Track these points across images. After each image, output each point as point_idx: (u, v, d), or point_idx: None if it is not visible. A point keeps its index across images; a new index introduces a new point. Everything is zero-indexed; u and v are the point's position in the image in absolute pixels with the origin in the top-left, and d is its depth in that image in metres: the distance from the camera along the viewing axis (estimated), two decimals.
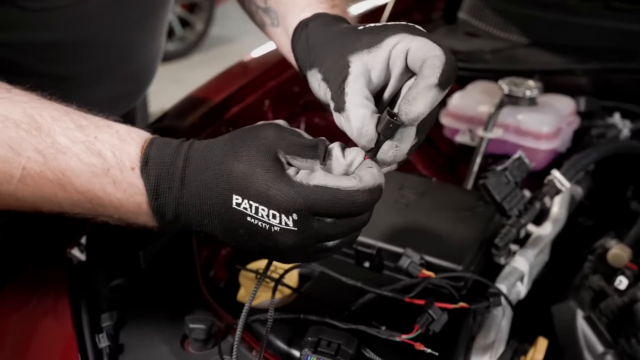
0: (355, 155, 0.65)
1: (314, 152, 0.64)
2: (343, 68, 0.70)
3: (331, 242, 0.65)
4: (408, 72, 0.69)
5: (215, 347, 0.80)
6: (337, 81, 0.70)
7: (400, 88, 0.71)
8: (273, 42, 0.99)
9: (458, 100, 1.35)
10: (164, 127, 1.25)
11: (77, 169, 0.65)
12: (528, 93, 1.27)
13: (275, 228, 0.62)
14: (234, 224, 0.63)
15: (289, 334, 0.81)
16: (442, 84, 0.65)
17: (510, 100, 1.27)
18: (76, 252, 0.93)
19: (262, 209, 0.61)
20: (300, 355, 0.76)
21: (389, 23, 0.72)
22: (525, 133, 1.24)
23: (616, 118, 1.34)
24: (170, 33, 5.24)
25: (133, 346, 0.82)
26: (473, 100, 1.33)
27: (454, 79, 0.67)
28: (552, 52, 1.52)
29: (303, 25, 0.82)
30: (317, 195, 0.61)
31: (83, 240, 0.94)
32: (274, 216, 0.61)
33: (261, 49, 1.53)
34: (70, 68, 1.02)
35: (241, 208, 0.62)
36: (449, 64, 0.66)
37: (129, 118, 1.28)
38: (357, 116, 0.67)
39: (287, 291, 0.90)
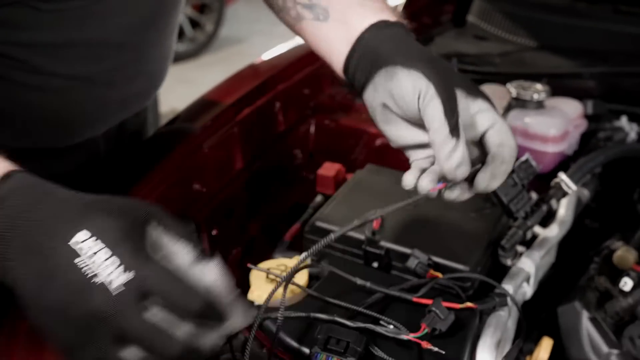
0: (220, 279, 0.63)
1: (189, 248, 0.63)
2: (453, 96, 0.77)
3: (130, 353, 0.57)
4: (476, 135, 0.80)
5: (226, 344, 0.82)
6: (449, 105, 0.76)
7: None
8: (303, 36, 1.00)
9: None
10: (175, 129, 1.27)
11: None
12: (536, 96, 1.27)
13: (96, 280, 0.55)
14: (53, 266, 0.57)
15: (299, 332, 0.83)
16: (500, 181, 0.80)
17: (518, 103, 1.28)
18: None
19: (105, 252, 0.56)
20: (310, 352, 0.78)
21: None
22: (533, 136, 1.25)
23: (623, 121, 1.34)
24: (181, 34, 5.26)
25: None
26: None
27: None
28: (560, 55, 1.53)
29: (385, 25, 0.87)
30: (165, 272, 0.58)
31: None
32: (108, 266, 0.55)
33: (271, 52, 1.55)
34: (83, 68, 1.03)
35: (77, 247, 0.57)
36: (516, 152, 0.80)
37: (140, 118, 1.30)
38: (464, 152, 0.75)
39: (297, 290, 0.92)
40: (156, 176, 1.08)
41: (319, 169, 1.19)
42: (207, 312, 0.58)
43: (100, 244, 0.56)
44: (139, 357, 0.56)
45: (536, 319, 0.99)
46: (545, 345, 0.87)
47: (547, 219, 1.07)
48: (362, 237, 0.97)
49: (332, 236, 0.77)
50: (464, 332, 0.85)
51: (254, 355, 0.81)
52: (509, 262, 0.99)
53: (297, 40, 1.56)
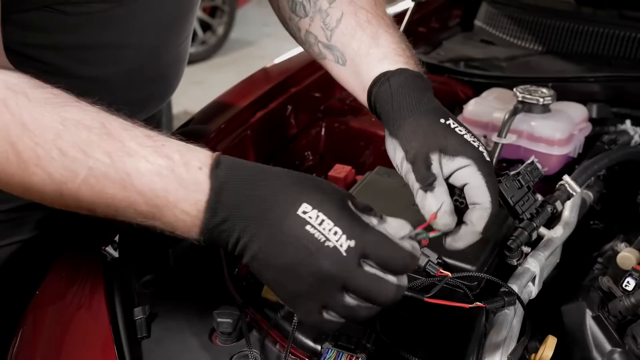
0: (402, 225, 0.73)
1: (374, 213, 0.71)
2: (427, 158, 0.84)
3: (352, 298, 0.67)
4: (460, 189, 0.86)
5: (241, 340, 0.85)
6: (423, 167, 0.84)
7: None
8: (331, 73, 1.05)
9: (473, 107, 1.37)
10: (189, 131, 1.29)
11: (142, 169, 0.68)
12: (542, 100, 1.28)
13: (329, 244, 0.65)
14: (286, 232, 0.66)
15: (311, 329, 0.85)
16: (483, 231, 0.84)
17: (524, 107, 1.29)
18: (110, 250, 0.98)
19: (328, 222, 0.65)
20: (322, 348, 0.81)
21: (469, 140, 0.86)
22: (539, 139, 1.26)
23: (627, 125, 1.35)
24: (193, 36, 5.28)
25: (164, 338, 0.87)
26: (488, 106, 1.36)
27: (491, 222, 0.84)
28: (566, 60, 1.53)
29: (384, 79, 0.92)
30: (378, 237, 0.67)
31: (116, 239, 0.99)
32: (335, 232, 0.65)
33: (283, 57, 1.57)
34: (103, 70, 1.06)
35: (306, 216, 0.66)
36: (492, 215, 0.84)
37: (155, 119, 1.33)
38: (444, 196, 0.83)
39: None
40: None
41: (330, 170, 1.21)
42: (411, 265, 0.68)
43: (322, 215, 0.65)
44: (356, 303, 0.67)
45: (541, 317, 0.99)
46: (550, 343, 0.88)
47: (552, 221, 1.08)
48: None
49: None
50: (471, 330, 0.87)
51: (267, 351, 0.84)
52: (515, 262, 1.01)
53: None
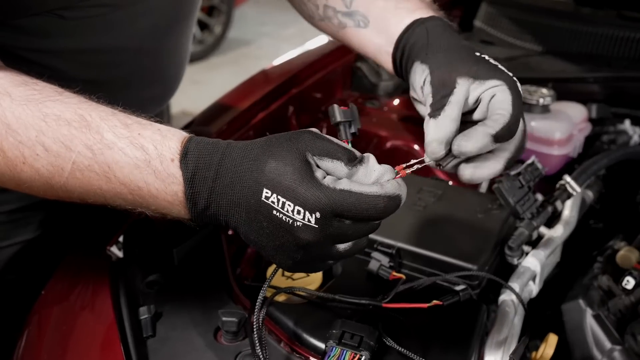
0: (386, 170, 0.71)
1: (343, 155, 0.70)
2: (451, 83, 0.81)
3: (343, 245, 0.70)
4: (486, 113, 0.81)
5: (245, 338, 0.86)
6: (441, 92, 0.80)
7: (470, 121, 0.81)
8: (350, 43, 1.05)
9: None
10: (192, 132, 1.29)
11: (121, 162, 0.70)
12: (541, 101, 1.29)
13: (298, 223, 0.66)
14: (260, 216, 0.68)
15: (314, 327, 0.86)
16: (496, 137, 0.76)
17: (524, 107, 1.30)
18: (115, 250, 0.99)
19: (289, 204, 0.66)
20: (326, 346, 0.81)
21: (500, 67, 0.83)
22: (539, 139, 1.27)
23: (627, 125, 1.36)
24: None
25: (169, 337, 0.87)
26: None
27: (508, 139, 0.78)
28: (566, 60, 1.54)
29: (419, 23, 0.91)
30: (342, 198, 0.66)
31: (121, 239, 1.00)
32: (298, 212, 0.66)
33: (283, 57, 1.58)
34: (104, 73, 1.06)
35: (269, 201, 0.67)
36: (511, 126, 0.77)
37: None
38: (446, 127, 0.78)
39: (314, 286, 0.95)
40: None
41: None
42: (387, 206, 0.67)
43: (282, 198, 0.66)
44: (351, 244, 0.71)
45: (542, 316, 1.01)
46: (551, 342, 0.89)
47: (553, 220, 1.09)
48: (374, 237, 1.00)
49: None
50: (472, 329, 0.88)
51: (271, 350, 0.85)
52: (515, 261, 1.02)
53: (307, 46, 1.59)
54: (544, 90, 1.32)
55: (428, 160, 0.79)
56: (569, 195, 1.09)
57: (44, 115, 0.71)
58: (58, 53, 0.99)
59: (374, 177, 0.70)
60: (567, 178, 1.09)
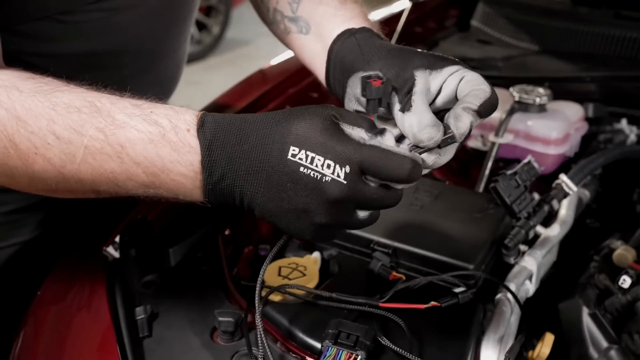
0: (405, 143, 0.73)
1: (364, 123, 0.70)
2: (409, 78, 0.78)
3: (363, 213, 0.71)
4: (454, 100, 0.78)
5: (242, 338, 0.86)
6: (405, 88, 0.78)
7: (440, 111, 0.79)
8: (292, 49, 1.04)
9: None
10: None
11: (134, 139, 0.70)
12: (538, 100, 1.29)
13: (327, 178, 0.67)
14: (284, 177, 0.68)
15: (311, 327, 0.86)
16: (480, 112, 0.74)
17: (521, 106, 1.30)
18: (111, 250, 0.99)
19: (318, 159, 0.66)
20: (322, 346, 0.81)
21: (450, 57, 0.81)
22: (535, 138, 1.27)
23: (623, 124, 1.36)
24: None
25: (165, 337, 0.87)
26: None
27: (490, 113, 0.75)
28: (562, 59, 1.54)
29: (349, 34, 0.89)
30: (372, 152, 0.67)
31: (117, 239, 1.00)
32: (328, 166, 0.66)
33: (280, 57, 1.58)
34: (103, 75, 1.06)
35: (296, 159, 0.67)
36: (491, 100, 0.75)
37: None
38: (427, 112, 0.74)
39: (311, 285, 0.95)
40: None
41: None
42: (414, 171, 0.69)
43: (311, 153, 0.67)
44: (368, 214, 0.72)
45: (538, 315, 1.01)
46: (547, 341, 0.89)
47: (549, 219, 1.09)
48: (371, 236, 1.00)
49: None
50: (469, 328, 0.88)
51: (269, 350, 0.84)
52: (512, 260, 1.02)
53: None
54: (541, 90, 1.32)
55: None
56: (566, 195, 1.09)
57: (53, 104, 0.71)
58: (58, 56, 1.00)
59: (394, 145, 0.71)
60: (564, 177, 1.09)
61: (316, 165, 0.66)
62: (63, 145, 0.71)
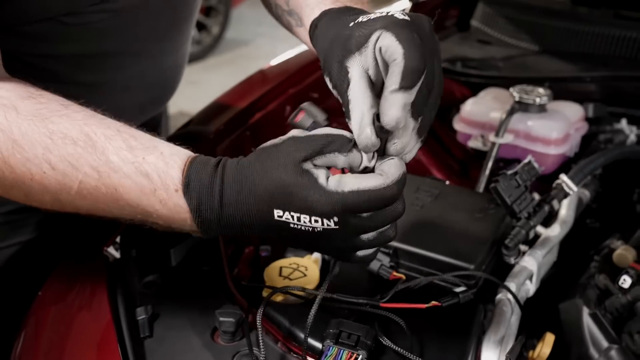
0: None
1: (334, 146, 0.70)
2: (345, 75, 0.73)
3: (367, 235, 0.72)
4: None
5: (243, 339, 0.86)
6: (343, 88, 0.73)
7: None
8: (302, 41, 1.02)
9: (471, 107, 1.38)
10: (190, 132, 1.30)
11: (128, 187, 0.71)
12: (538, 100, 1.30)
13: (319, 229, 0.69)
14: (278, 229, 0.70)
15: (312, 327, 0.84)
16: (404, 87, 0.66)
17: (521, 107, 1.30)
18: (112, 250, 0.99)
19: (304, 217, 0.68)
20: (323, 346, 0.81)
21: (372, 16, 0.73)
22: (535, 139, 1.27)
23: (623, 124, 1.36)
24: None
25: (166, 338, 0.87)
26: (485, 106, 1.37)
27: (419, 76, 0.66)
28: (562, 59, 1.54)
29: (314, 27, 0.87)
30: (353, 198, 0.67)
31: (118, 239, 1.00)
32: (315, 221, 0.68)
33: (280, 57, 1.58)
34: (104, 76, 1.07)
35: (283, 219, 0.69)
36: (408, 65, 0.66)
37: (154, 121, 1.34)
38: (355, 123, 0.70)
39: (311, 287, 0.95)
40: None
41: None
42: (395, 192, 0.69)
43: (295, 214, 0.68)
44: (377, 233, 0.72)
45: (539, 315, 1.01)
46: (548, 341, 0.89)
47: (549, 219, 1.09)
48: None
49: None
50: (469, 328, 0.88)
51: (269, 350, 0.85)
52: (512, 260, 1.02)
53: (304, 45, 1.59)
54: (541, 90, 1.32)
55: (363, 153, 0.72)
56: (566, 195, 1.09)
57: (50, 132, 0.72)
58: (60, 57, 1.00)
59: (366, 157, 0.71)
60: (564, 177, 1.10)
61: (304, 222, 0.68)
62: (59, 176, 0.72)
